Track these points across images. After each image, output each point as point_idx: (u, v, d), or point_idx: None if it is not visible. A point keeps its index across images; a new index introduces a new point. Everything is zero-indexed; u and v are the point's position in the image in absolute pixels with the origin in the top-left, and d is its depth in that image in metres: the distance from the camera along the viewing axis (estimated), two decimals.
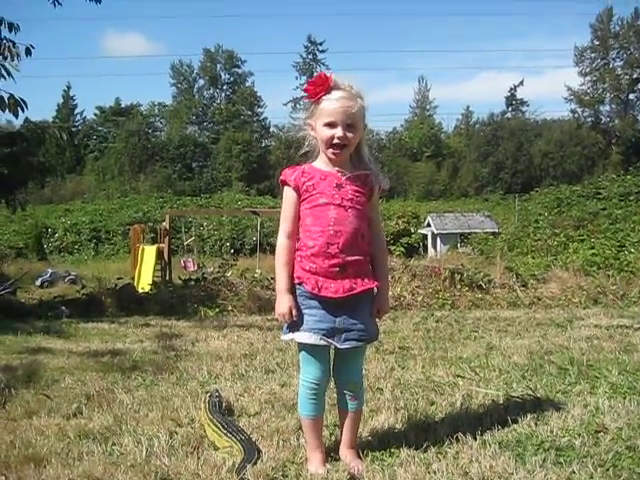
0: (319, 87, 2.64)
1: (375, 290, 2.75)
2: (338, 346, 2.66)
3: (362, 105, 2.68)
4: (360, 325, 2.68)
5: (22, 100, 7.53)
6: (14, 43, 7.54)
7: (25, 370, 4.70)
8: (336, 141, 2.64)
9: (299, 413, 2.83)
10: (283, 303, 2.67)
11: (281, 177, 2.78)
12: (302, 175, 2.72)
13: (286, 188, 2.76)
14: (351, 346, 2.67)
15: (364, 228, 2.70)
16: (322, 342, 2.65)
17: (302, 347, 2.73)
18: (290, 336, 2.71)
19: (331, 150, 2.67)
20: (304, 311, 2.67)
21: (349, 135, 2.64)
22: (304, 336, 2.66)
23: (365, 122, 2.73)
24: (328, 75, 2.66)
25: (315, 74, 2.75)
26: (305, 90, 2.69)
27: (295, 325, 2.68)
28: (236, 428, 3.03)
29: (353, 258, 2.64)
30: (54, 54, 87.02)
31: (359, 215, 2.67)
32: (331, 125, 2.63)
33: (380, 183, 2.77)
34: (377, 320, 2.81)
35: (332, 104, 2.63)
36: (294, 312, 2.65)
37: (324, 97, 2.64)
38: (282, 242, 2.74)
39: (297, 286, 2.69)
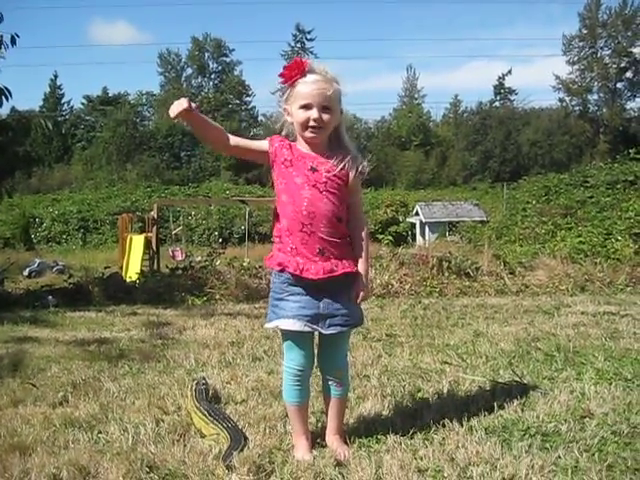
0: (294, 71, 2.62)
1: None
2: (323, 332, 2.66)
3: (338, 89, 2.66)
4: (344, 310, 2.67)
5: (6, 89, 7.46)
6: None
7: (11, 359, 4.67)
8: (312, 123, 2.61)
9: (284, 400, 2.83)
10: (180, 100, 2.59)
11: (268, 137, 2.76)
12: (285, 146, 2.71)
13: (266, 141, 2.75)
14: (336, 331, 2.67)
15: (341, 211, 2.67)
16: (307, 328, 2.64)
17: (286, 334, 2.71)
18: (275, 323, 2.70)
19: (308, 132, 2.65)
20: (288, 298, 2.66)
21: (325, 117, 2.62)
22: (288, 323, 2.65)
23: (341, 106, 2.70)
24: (303, 60, 2.65)
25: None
26: (281, 75, 2.66)
27: (279, 312, 2.67)
28: (222, 416, 3.02)
29: (330, 239, 2.63)
30: (41, 43, 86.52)
31: (334, 198, 2.64)
32: (307, 107, 2.61)
33: (358, 166, 2.71)
34: (362, 305, 2.80)
35: (308, 86, 2.61)
36: (193, 105, 2.57)
37: (299, 80, 2.63)
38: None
39: (279, 273, 2.68)
